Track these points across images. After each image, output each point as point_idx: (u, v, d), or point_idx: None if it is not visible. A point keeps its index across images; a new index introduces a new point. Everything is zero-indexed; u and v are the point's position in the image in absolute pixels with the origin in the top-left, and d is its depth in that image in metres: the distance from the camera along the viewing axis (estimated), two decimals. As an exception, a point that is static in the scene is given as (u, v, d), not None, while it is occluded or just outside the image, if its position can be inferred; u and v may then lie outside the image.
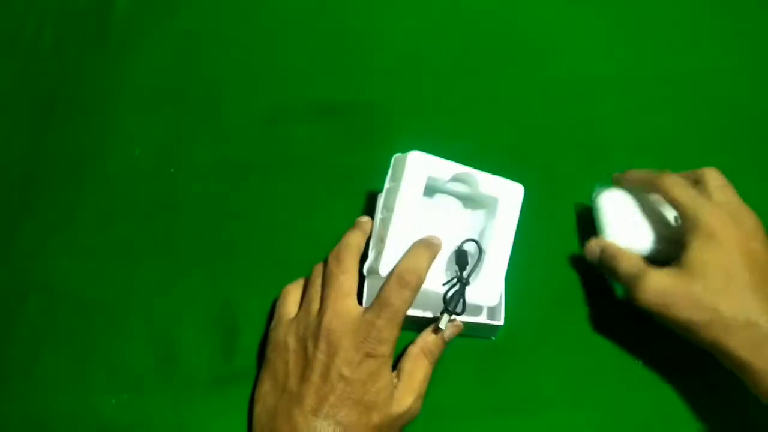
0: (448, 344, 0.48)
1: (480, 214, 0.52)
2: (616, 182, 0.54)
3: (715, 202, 0.47)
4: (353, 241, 0.48)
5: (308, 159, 0.59)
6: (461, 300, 0.46)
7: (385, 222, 0.48)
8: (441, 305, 0.46)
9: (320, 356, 0.43)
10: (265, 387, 0.46)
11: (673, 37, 0.67)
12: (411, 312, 0.47)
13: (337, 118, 0.61)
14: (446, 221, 0.52)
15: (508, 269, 0.49)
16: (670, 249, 0.49)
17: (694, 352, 0.46)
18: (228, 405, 0.49)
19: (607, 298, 0.52)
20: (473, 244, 0.49)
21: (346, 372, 0.43)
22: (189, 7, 0.66)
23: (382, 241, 0.47)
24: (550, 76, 0.64)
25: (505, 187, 0.50)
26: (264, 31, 0.65)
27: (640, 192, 0.53)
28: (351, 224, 0.56)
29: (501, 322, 0.49)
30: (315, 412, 0.42)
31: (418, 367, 0.46)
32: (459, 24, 0.67)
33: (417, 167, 0.48)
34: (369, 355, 0.43)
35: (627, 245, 0.50)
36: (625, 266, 0.48)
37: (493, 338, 0.52)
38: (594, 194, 0.54)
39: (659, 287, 0.45)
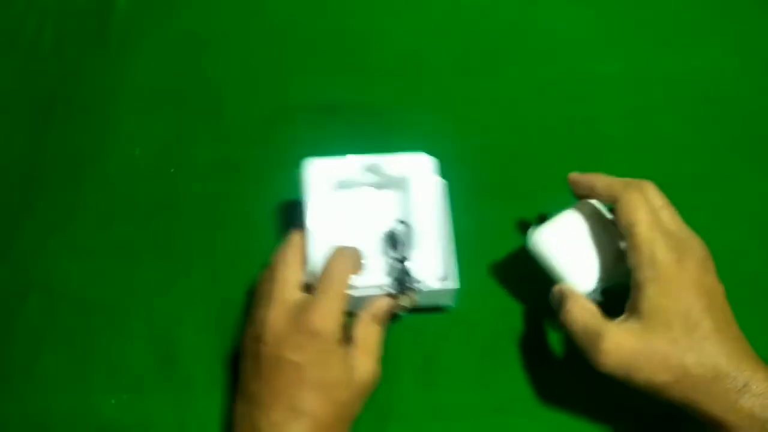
0: (402, 313, 0.48)
1: (401, 194, 0.52)
2: (572, 184, 0.49)
3: (666, 233, 0.43)
4: (294, 237, 0.48)
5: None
6: (408, 277, 0.47)
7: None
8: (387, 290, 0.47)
9: (267, 349, 0.43)
10: (236, 402, 0.46)
11: (673, 37, 0.67)
12: (361, 293, 0.47)
13: (337, 118, 0.61)
14: (371, 212, 0.52)
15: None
16: (620, 270, 0.46)
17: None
18: (227, 405, 0.49)
19: (607, 302, 0.52)
20: (402, 224, 0.49)
21: (294, 357, 0.42)
22: (189, 7, 0.67)
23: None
24: (550, 76, 0.64)
25: (413, 162, 0.51)
26: (264, 32, 0.65)
27: (579, 212, 0.49)
28: (351, 224, 0.56)
29: (455, 285, 0.49)
30: (274, 408, 0.42)
31: (370, 332, 0.46)
32: (459, 24, 0.67)
33: (318, 175, 0.49)
34: (314, 334, 0.42)
35: (581, 287, 0.47)
36: (580, 324, 0.43)
37: (452, 306, 0.52)
38: (528, 241, 0.49)
39: (620, 351, 0.41)
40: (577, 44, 0.66)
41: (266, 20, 0.66)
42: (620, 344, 0.41)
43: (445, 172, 0.59)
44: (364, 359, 0.44)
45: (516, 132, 0.61)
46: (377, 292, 0.47)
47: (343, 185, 0.51)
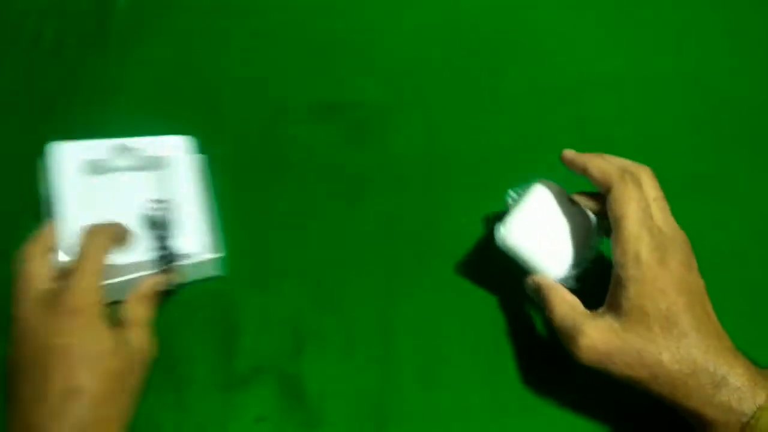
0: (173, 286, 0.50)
1: (160, 175, 0.53)
2: (567, 163, 0.48)
3: (652, 230, 0.43)
4: (39, 231, 0.48)
5: (308, 159, 0.59)
6: (171, 254, 0.49)
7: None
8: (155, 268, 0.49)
9: (27, 345, 0.43)
10: (9, 411, 0.44)
11: (672, 37, 0.67)
12: (127, 274, 0.48)
13: (337, 118, 0.61)
14: (130, 194, 0.52)
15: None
16: (590, 249, 0.47)
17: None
18: (228, 405, 0.49)
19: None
20: (162, 204, 0.51)
21: (58, 340, 0.42)
22: (189, 7, 0.67)
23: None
24: (550, 76, 0.64)
25: (169, 143, 0.53)
26: (264, 31, 0.65)
27: (540, 198, 0.48)
28: (350, 224, 0.56)
29: (217, 254, 0.51)
30: (50, 395, 0.41)
31: (139, 310, 0.47)
32: (459, 24, 0.67)
33: (66, 160, 0.50)
34: (73, 312, 0.42)
35: (555, 276, 0.47)
36: (559, 317, 0.44)
37: (221, 274, 0.53)
38: (495, 238, 0.48)
39: (599, 347, 0.42)
40: (577, 44, 0.66)
41: (266, 20, 0.66)
42: (599, 339, 0.42)
43: (444, 172, 0.59)
44: (136, 331, 0.46)
45: (516, 132, 0.61)
46: (143, 270, 0.49)
47: (97, 169, 0.52)
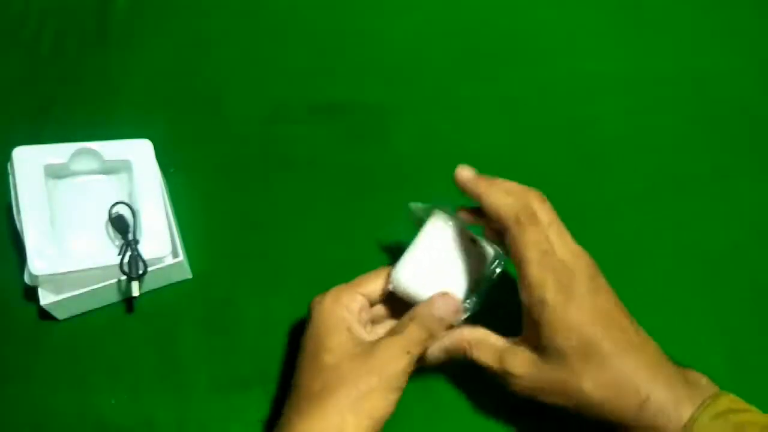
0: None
1: (122, 178, 0.54)
2: (460, 185, 0.47)
3: (554, 269, 0.42)
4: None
5: (308, 159, 0.59)
6: (139, 260, 0.49)
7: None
8: (121, 275, 0.49)
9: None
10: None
11: (673, 37, 0.67)
12: (88, 288, 0.49)
13: (337, 118, 0.61)
14: (95, 198, 0.53)
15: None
16: (491, 277, 0.46)
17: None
18: (228, 405, 0.49)
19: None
20: (126, 207, 0.51)
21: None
22: (189, 7, 0.67)
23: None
24: (550, 76, 0.64)
25: (132, 147, 0.53)
26: (264, 31, 0.66)
27: (434, 232, 0.47)
28: (350, 224, 0.56)
29: (180, 258, 0.52)
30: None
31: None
32: (459, 24, 0.67)
33: (26, 161, 0.50)
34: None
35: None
36: (487, 367, 0.44)
37: (190, 277, 0.53)
38: (390, 283, 0.46)
39: (525, 382, 0.42)
40: (577, 44, 0.66)
41: (266, 20, 0.66)
42: (524, 376, 0.42)
43: (444, 172, 0.59)
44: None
45: (516, 132, 0.61)
46: (108, 276, 0.49)
47: (60, 173, 0.52)
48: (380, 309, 0.48)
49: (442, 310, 0.44)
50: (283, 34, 0.65)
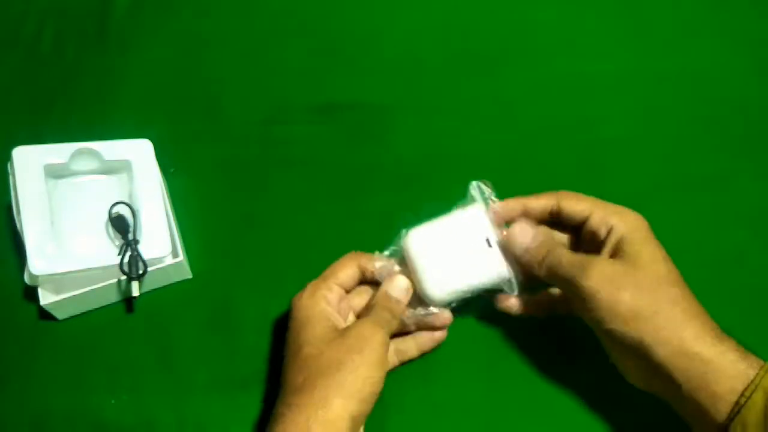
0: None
1: (122, 178, 0.54)
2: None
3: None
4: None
5: (308, 159, 0.59)
6: (139, 260, 0.49)
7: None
8: (120, 275, 0.49)
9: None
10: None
11: (672, 37, 0.67)
12: (88, 288, 0.49)
13: (337, 118, 0.61)
14: (91, 199, 0.53)
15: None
16: (478, 291, 0.47)
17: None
18: (228, 405, 0.49)
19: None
20: (126, 207, 0.51)
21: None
22: (189, 7, 0.67)
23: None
24: (549, 76, 0.64)
25: (132, 147, 0.53)
26: (264, 31, 0.65)
27: (469, 225, 0.48)
28: (350, 224, 0.56)
29: (180, 258, 0.52)
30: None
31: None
32: (458, 24, 0.67)
33: (26, 161, 0.50)
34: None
35: (427, 295, 0.47)
36: (566, 260, 0.44)
37: (190, 277, 0.53)
38: (400, 233, 0.48)
39: (605, 272, 0.42)
40: (577, 44, 0.66)
41: (266, 20, 0.66)
42: (605, 267, 0.42)
43: (444, 172, 0.59)
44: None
45: (516, 132, 0.61)
46: (109, 277, 0.49)
47: (60, 173, 0.52)
48: (364, 299, 0.49)
49: (396, 291, 0.46)
50: (283, 34, 0.65)
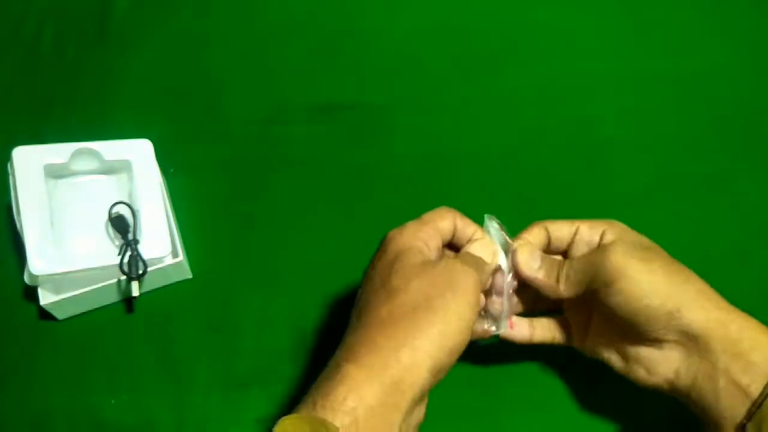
0: None
1: (122, 178, 0.54)
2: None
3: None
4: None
5: (308, 159, 0.59)
6: (139, 260, 0.49)
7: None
8: (120, 275, 0.49)
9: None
10: None
11: (672, 37, 0.67)
12: (88, 288, 0.49)
13: (337, 118, 0.61)
14: (95, 198, 0.53)
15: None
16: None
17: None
18: (227, 405, 0.49)
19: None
20: (126, 207, 0.51)
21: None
22: (189, 7, 0.66)
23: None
24: (549, 76, 0.64)
25: (132, 146, 0.53)
26: (264, 31, 0.65)
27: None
28: (350, 224, 0.56)
29: (180, 258, 0.52)
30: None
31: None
32: (458, 24, 0.67)
33: (26, 161, 0.50)
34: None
35: None
36: (582, 260, 0.43)
37: (190, 277, 0.53)
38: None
39: (627, 249, 0.41)
40: (577, 44, 0.66)
41: (266, 20, 0.66)
42: (626, 249, 0.41)
43: (444, 172, 0.59)
44: None
45: (516, 132, 0.61)
46: (108, 276, 0.49)
47: (60, 173, 0.52)
48: None
49: (486, 254, 0.43)
50: (283, 34, 0.65)
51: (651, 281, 0.40)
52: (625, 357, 0.43)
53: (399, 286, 0.38)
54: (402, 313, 0.37)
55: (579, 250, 0.44)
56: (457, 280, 0.39)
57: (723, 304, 0.41)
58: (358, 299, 0.41)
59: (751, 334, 0.39)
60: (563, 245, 0.45)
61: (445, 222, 0.43)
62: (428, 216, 0.43)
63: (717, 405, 0.40)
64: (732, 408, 0.39)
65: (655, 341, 0.41)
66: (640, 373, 0.43)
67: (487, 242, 0.43)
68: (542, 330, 0.47)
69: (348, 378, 0.35)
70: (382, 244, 0.42)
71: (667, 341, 0.41)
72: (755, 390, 0.38)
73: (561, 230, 0.45)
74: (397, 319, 0.37)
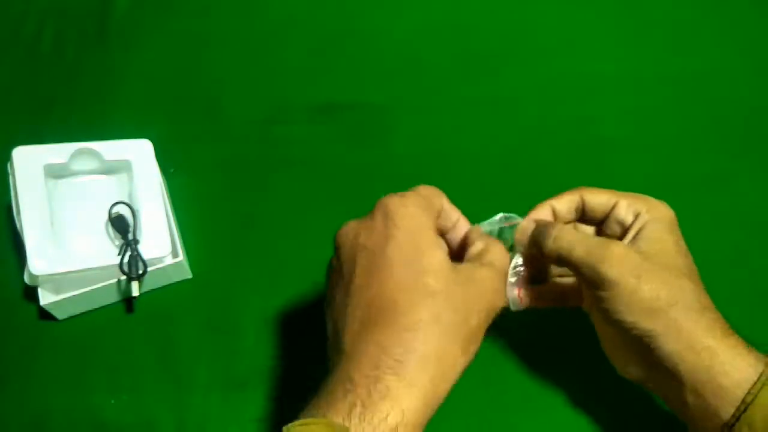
0: None
1: (122, 178, 0.54)
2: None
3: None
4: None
5: (308, 159, 0.59)
6: (139, 260, 0.49)
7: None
8: (120, 275, 0.49)
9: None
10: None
11: (672, 37, 0.67)
12: (88, 288, 0.49)
13: (337, 118, 0.61)
14: (95, 198, 0.53)
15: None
16: None
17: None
18: (227, 405, 0.49)
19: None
20: (126, 207, 0.51)
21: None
22: (189, 7, 0.67)
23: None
24: (549, 76, 0.64)
25: (132, 147, 0.53)
26: (264, 32, 0.66)
27: None
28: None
29: (180, 258, 0.52)
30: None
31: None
32: (458, 24, 0.67)
33: (26, 161, 0.50)
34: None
35: None
36: (581, 244, 0.41)
37: (190, 277, 0.53)
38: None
39: (625, 259, 0.40)
40: (577, 44, 0.66)
41: (266, 20, 0.66)
42: (627, 251, 0.40)
43: (444, 172, 0.59)
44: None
45: (516, 132, 0.61)
46: (108, 276, 0.49)
47: (60, 173, 0.52)
48: None
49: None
50: (283, 34, 0.65)
51: (633, 302, 0.39)
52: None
53: (435, 287, 0.36)
54: (449, 322, 0.35)
55: (611, 228, 0.44)
56: (490, 298, 0.38)
57: (702, 327, 0.39)
58: (348, 275, 0.37)
59: (724, 359, 0.38)
60: (597, 216, 0.44)
61: (438, 200, 0.42)
62: (425, 190, 0.41)
63: (688, 417, 0.40)
64: (705, 422, 0.38)
65: (627, 348, 0.41)
66: (616, 359, 0.43)
67: (501, 250, 0.42)
68: (551, 293, 0.46)
69: (392, 392, 0.33)
70: (378, 213, 0.39)
71: (637, 353, 0.41)
72: (726, 415, 0.37)
73: (597, 199, 0.44)
74: (444, 329, 0.35)
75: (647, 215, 0.43)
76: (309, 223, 0.56)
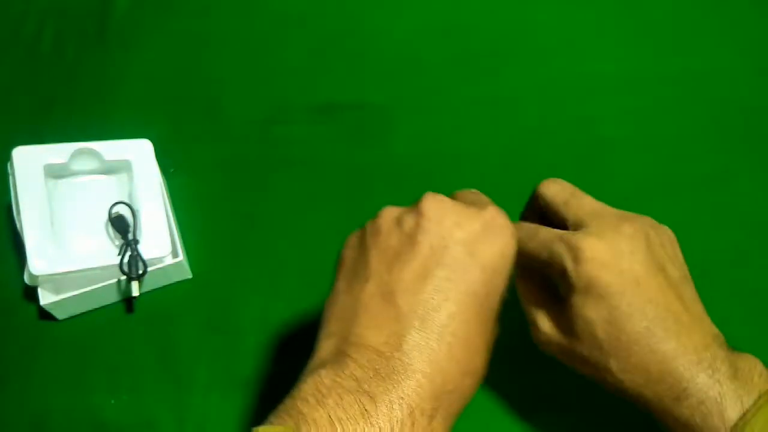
0: None
1: (122, 178, 0.54)
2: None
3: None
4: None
5: (308, 159, 0.59)
6: (139, 260, 0.49)
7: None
8: (120, 275, 0.49)
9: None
10: None
11: (672, 37, 0.67)
12: (88, 288, 0.49)
13: (337, 118, 0.61)
14: (95, 198, 0.53)
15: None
16: None
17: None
18: (228, 405, 0.49)
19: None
20: (126, 207, 0.51)
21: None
22: (189, 7, 0.67)
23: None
24: (549, 76, 0.64)
25: (132, 147, 0.53)
26: (264, 32, 0.66)
27: None
28: (350, 224, 0.56)
29: (180, 258, 0.52)
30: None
31: None
32: (458, 24, 0.67)
33: (26, 161, 0.50)
34: None
35: None
36: (543, 235, 0.40)
37: (190, 277, 0.54)
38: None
39: (552, 343, 0.39)
40: (577, 44, 0.66)
41: (266, 20, 0.66)
42: (549, 340, 0.40)
43: (444, 172, 0.59)
44: None
45: (516, 132, 0.61)
46: (108, 276, 0.49)
47: (60, 173, 0.52)
48: None
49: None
50: (283, 34, 0.65)
51: (589, 325, 0.37)
52: None
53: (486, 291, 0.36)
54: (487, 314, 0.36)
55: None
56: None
57: (655, 370, 0.35)
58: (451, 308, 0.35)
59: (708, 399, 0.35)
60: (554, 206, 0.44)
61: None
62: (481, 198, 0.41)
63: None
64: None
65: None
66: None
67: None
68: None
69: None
70: (485, 235, 0.38)
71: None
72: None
73: (548, 188, 0.44)
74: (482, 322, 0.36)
75: (574, 274, 0.37)
76: (309, 223, 0.56)
